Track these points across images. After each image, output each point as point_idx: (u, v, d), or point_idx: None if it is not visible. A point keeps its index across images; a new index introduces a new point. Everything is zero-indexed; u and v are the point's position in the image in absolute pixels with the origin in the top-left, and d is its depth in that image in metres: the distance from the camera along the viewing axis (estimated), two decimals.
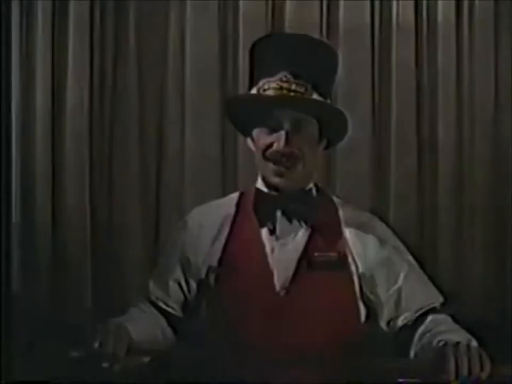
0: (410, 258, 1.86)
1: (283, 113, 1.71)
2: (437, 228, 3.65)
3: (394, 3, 3.62)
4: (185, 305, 1.87)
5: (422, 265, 1.89)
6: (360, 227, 1.83)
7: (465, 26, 3.65)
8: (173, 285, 1.85)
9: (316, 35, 3.48)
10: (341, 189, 3.51)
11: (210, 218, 1.87)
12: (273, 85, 1.71)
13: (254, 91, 1.75)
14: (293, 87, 1.70)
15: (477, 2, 3.63)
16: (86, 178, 3.62)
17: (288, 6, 3.60)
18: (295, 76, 1.71)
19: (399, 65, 3.63)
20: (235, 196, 1.90)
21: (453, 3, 3.64)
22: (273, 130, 1.73)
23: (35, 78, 3.58)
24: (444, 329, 1.68)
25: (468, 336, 1.66)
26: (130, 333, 1.59)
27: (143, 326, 1.73)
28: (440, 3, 3.63)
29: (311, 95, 1.72)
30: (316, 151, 1.80)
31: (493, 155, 3.66)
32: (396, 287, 1.79)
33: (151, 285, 1.89)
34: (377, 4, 3.64)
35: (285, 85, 1.70)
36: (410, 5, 3.62)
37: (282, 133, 1.70)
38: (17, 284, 3.42)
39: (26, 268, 3.52)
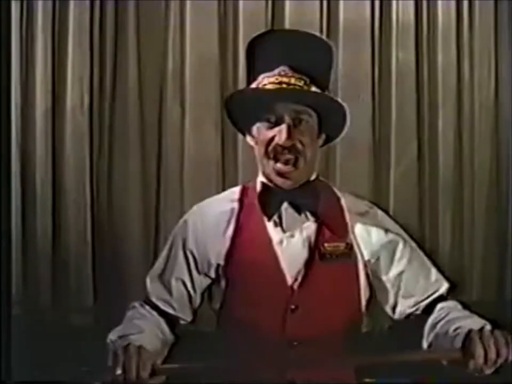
0: (413, 244, 1.85)
1: (283, 106, 1.71)
2: (437, 227, 3.65)
3: (394, 3, 3.63)
4: (189, 304, 1.84)
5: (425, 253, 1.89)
6: (363, 215, 1.82)
7: (465, 26, 3.66)
8: (175, 284, 1.82)
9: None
10: (341, 188, 3.50)
11: (212, 214, 1.84)
12: (272, 79, 1.71)
13: (253, 86, 1.77)
14: (292, 80, 1.71)
15: (477, 2, 3.65)
16: (86, 178, 3.62)
17: (288, 5, 3.61)
18: (294, 70, 1.72)
19: (399, 65, 3.63)
20: (236, 190, 1.88)
21: (453, 3, 3.65)
22: (274, 124, 1.73)
23: (35, 78, 3.58)
24: (457, 316, 1.67)
25: (482, 321, 1.65)
26: (152, 354, 1.56)
27: (150, 337, 1.70)
28: (440, 3, 3.64)
29: (310, 88, 1.72)
30: (315, 144, 1.80)
31: (492, 154, 3.67)
32: (398, 271, 1.79)
33: (149, 284, 1.85)
34: (377, 3, 3.64)
35: (284, 79, 1.71)
36: (411, 5, 3.63)
37: (284, 126, 1.69)
38: (18, 284, 3.42)
39: (26, 268, 3.52)
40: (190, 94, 3.61)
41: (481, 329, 1.51)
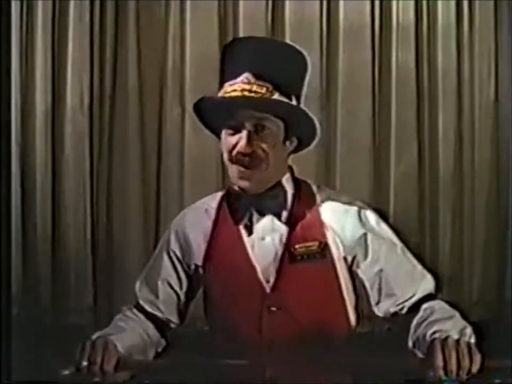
0: (396, 240, 1.85)
1: (244, 113, 1.74)
2: (437, 227, 3.65)
3: (394, 3, 3.63)
4: (176, 305, 1.88)
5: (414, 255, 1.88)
6: (340, 212, 1.83)
7: (465, 26, 3.66)
8: (162, 286, 1.87)
9: (317, 35, 3.52)
10: (341, 189, 3.51)
11: (194, 216, 1.91)
12: (235, 87, 1.73)
13: (219, 94, 1.79)
14: (254, 88, 1.73)
15: (477, 3, 3.65)
16: (86, 178, 3.61)
17: (288, 6, 3.60)
18: (257, 77, 1.73)
19: (399, 65, 3.63)
20: (219, 194, 1.92)
21: (453, 3, 3.65)
22: (236, 131, 1.76)
23: (35, 78, 3.58)
24: (438, 318, 1.68)
25: (463, 322, 1.66)
26: (118, 348, 1.61)
27: (131, 336, 1.74)
28: (440, 3, 3.64)
29: (272, 95, 1.74)
30: (281, 150, 1.81)
31: (492, 155, 3.67)
32: (377, 268, 1.80)
33: (138, 288, 1.91)
34: (377, 3, 3.64)
35: (246, 86, 1.72)
36: (411, 5, 3.63)
37: (244, 133, 1.73)
38: (18, 284, 3.42)
39: (27, 269, 3.52)
40: (190, 94, 3.60)
41: (445, 338, 1.50)
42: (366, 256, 1.81)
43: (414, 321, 1.72)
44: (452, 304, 1.77)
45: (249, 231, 1.80)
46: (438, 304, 1.76)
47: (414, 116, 3.64)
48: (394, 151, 3.63)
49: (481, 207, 3.65)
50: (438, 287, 1.82)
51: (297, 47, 1.84)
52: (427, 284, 1.81)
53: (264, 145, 1.75)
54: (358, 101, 3.56)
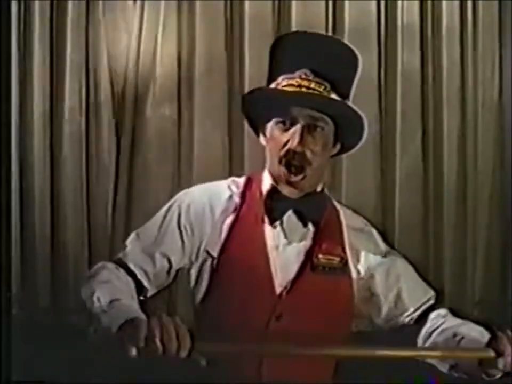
0: (403, 259, 1.86)
1: (300, 110, 1.68)
2: (441, 228, 3.65)
3: (399, 4, 3.64)
4: (163, 281, 1.74)
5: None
6: (360, 231, 1.83)
7: (469, 27, 3.68)
8: (160, 258, 1.70)
9: None
10: (346, 189, 3.52)
11: (212, 198, 1.78)
12: (292, 81, 1.69)
13: (272, 86, 1.74)
14: (312, 85, 1.68)
15: (480, 3, 3.66)
16: (84, 179, 3.58)
17: (294, 6, 3.59)
18: (315, 74, 1.69)
19: (404, 66, 3.64)
20: (241, 181, 1.83)
21: (457, 4, 3.66)
22: (288, 127, 1.70)
23: (33, 78, 3.55)
24: (454, 324, 1.69)
25: (478, 327, 1.66)
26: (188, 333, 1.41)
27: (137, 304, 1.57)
28: (444, 4, 3.65)
29: (330, 94, 1.70)
30: (327, 154, 1.76)
31: (496, 155, 3.68)
32: (397, 291, 1.78)
33: (130, 249, 1.72)
34: (382, 4, 3.65)
35: (304, 83, 1.68)
36: (415, 6, 3.64)
37: (298, 128, 1.67)
38: (17, 285, 3.39)
39: (26, 268, 3.48)
40: (196, 94, 3.55)
41: (504, 331, 1.52)
42: (387, 278, 1.79)
43: (423, 331, 1.73)
44: (454, 312, 1.78)
45: (278, 233, 1.74)
46: (445, 312, 1.77)
47: (418, 115, 3.64)
48: (399, 150, 3.63)
49: (485, 205, 3.66)
50: (437, 297, 1.85)
51: (353, 47, 1.81)
52: (431, 294, 1.82)
53: (315, 147, 1.69)
54: (364, 100, 3.53)
